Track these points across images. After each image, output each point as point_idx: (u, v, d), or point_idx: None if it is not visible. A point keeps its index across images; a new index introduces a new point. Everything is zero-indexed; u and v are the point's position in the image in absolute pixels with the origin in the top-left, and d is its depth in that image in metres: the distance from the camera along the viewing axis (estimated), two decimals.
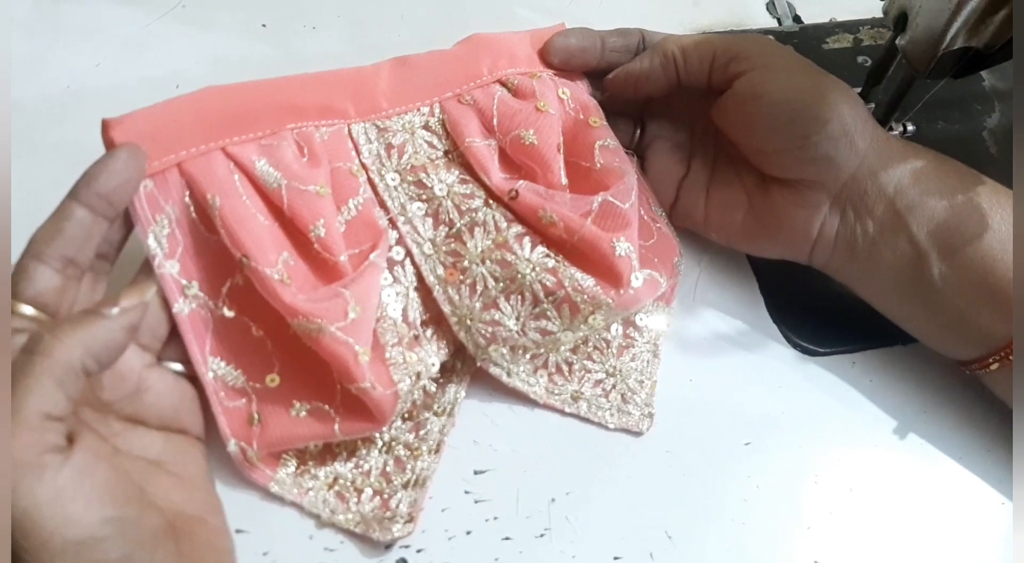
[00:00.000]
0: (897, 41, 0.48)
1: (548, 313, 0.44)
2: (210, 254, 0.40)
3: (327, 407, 0.40)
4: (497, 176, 0.45)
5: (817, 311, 0.51)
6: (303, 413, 0.40)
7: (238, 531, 0.41)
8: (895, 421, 0.49)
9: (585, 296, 0.43)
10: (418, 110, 0.46)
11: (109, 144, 0.39)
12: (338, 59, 0.56)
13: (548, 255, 0.44)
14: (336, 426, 0.40)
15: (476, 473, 0.44)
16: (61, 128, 0.51)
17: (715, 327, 0.50)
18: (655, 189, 0.51)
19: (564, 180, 0.46)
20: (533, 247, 0.44)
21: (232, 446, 0.40)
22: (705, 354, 0.49)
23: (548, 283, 0.43)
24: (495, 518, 0.43)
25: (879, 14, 0.52)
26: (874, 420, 0.48)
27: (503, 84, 0.47)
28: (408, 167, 0.45)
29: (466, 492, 0.44)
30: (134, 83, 0.53)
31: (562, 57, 0.49)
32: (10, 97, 0.51)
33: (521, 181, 0.45)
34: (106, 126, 0.39)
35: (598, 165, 0.46)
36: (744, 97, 0.46)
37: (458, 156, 0.46)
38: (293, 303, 0.38)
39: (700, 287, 0.51)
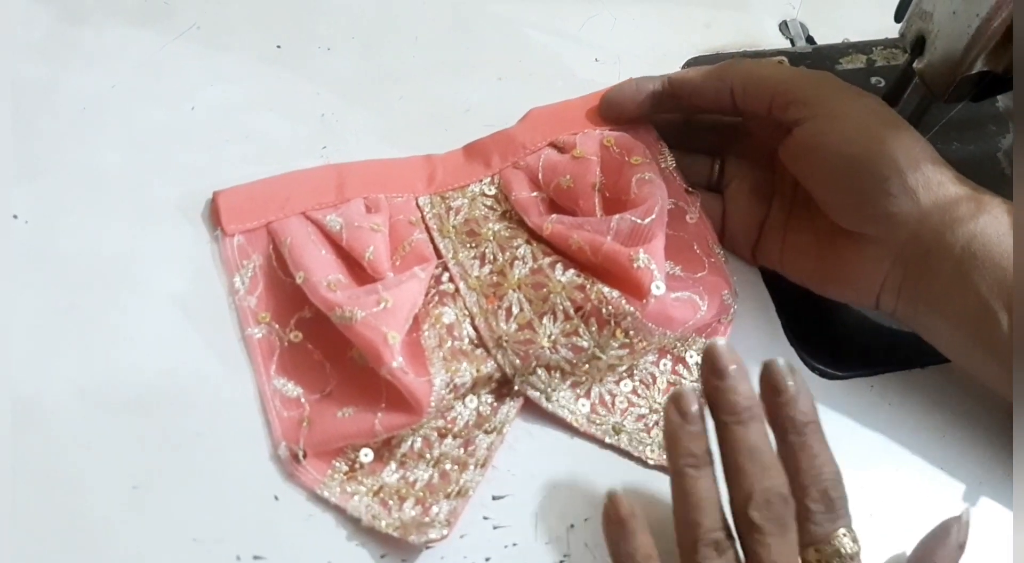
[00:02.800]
0: (915, 64, 0.48)
1: (579, 329, 0.45)
2: (284, 293, 0.46)
3: (371, 409, 0.43)
4: (536, 216, 0.49)
5: (835, 334, 0.50)
6: (348, 414, 0.43)
7: (256, 557, 0.41)
8: (915, 445, 0.48)
9: (610, 307, 0.45)
10: (480, 181, 0.52)
11: (215, 210, 0.48)
12: (353, 81, 0.56)
13: (578, 275, 0.46)
14: (377, 421, 0.42)
15: (495, 499, 0.44)
16: (77, 151, 0.51)
17: None
18: (737, 229, 0.52)
19: (599, 213, 0.48)
20: (565, 270, 0.47)
21: (282, 449, 0.43)
22: None
23: (576, 299, 0.45)
24: (514, 544, 0.43)
25: (893, 34, 0.52)
26: (894, 444, 0.48)
27: (553, 146, 0.52)
28: (463, 221, 0.50)
29: (485, 518, 0.44)
30: (149, 105, 0.53)
31: (611, 109, 0.51)
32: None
33: (553, 215, 0.48)
34: (215, 196, 0.48)
35: (632, 195, 0.48)
36: (803, 148, 0.46)
37: (512, 214, 0.50)
38: (332, 297, 0.43)
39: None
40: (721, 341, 0.40)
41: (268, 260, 0.47)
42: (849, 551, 0.38)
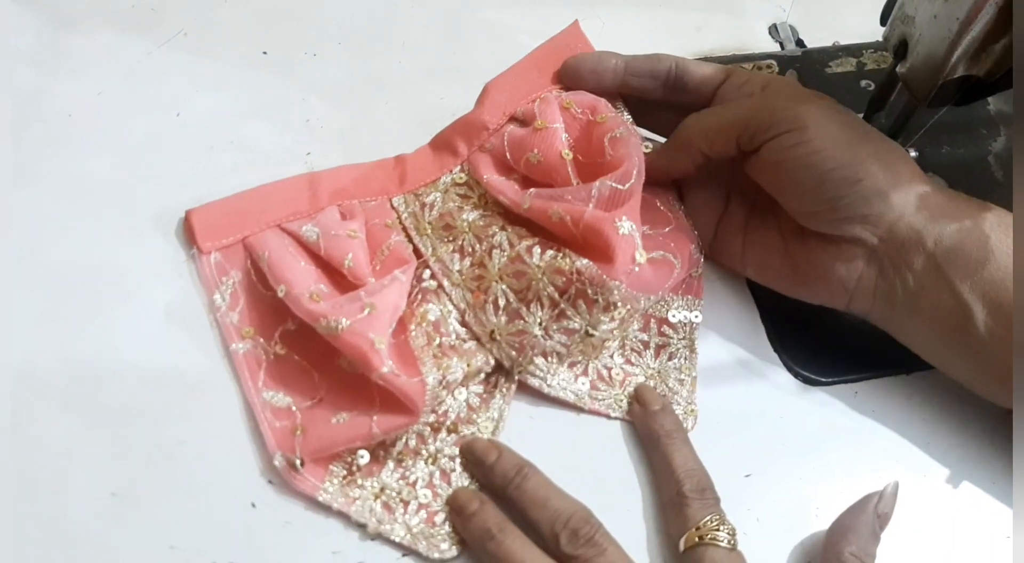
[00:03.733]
0: (897, 69, 0.47)
1: (567, 312, 0.45)
2: (266, 307, 0.47)
3: (366, 412, 0.43)
4: (513, 193, 0.48)
5: (819, 340, 0.50)
6: (343, 419, 0.43)
7: None
8: (898, 451, 0.48)
9: (595, 286, 0.45)
10: (450, 172, 0.51)
11: (188, 229, 0.48)
12: (339, 87, 0.56)
13: (555, 256, 0.46)
14: (374, 424, 0.42)
15: None
16: (64, 158, 0.51)
17: (716, 356, 0.50)
18: (694, 223, 0.51)
19: (575, 181, 0.48)
20: (542, 252, 0.46)
21: (278, 459, 0.42)
22: (706, 384, 0.49)
23: (559, 283, 0.45)
24: None
25: (882, 38, 0.51)
26: (877, 451, 0.48)
27: (514, 119, 0.51)
28: (438, 215, 0.50)
29: None
30: (136, 111, 0.53)
31: (571, 79, 0.51)
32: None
33: (532, 189, 0.48)
34: (188, 214, 0.48)
35: (608, 157, 0.48)
36: (770, 164, 0.45)
37: (485, 197, 0.50)
38: (316, 309, 0.43)
39: (702, 316, 0.51)
40: (480, 440, 0.45)
41: (247, 275, 0.47)
42: (726, 528, 0.42)
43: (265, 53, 0.57)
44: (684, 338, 0.50)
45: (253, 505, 0.42)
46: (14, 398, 0.43)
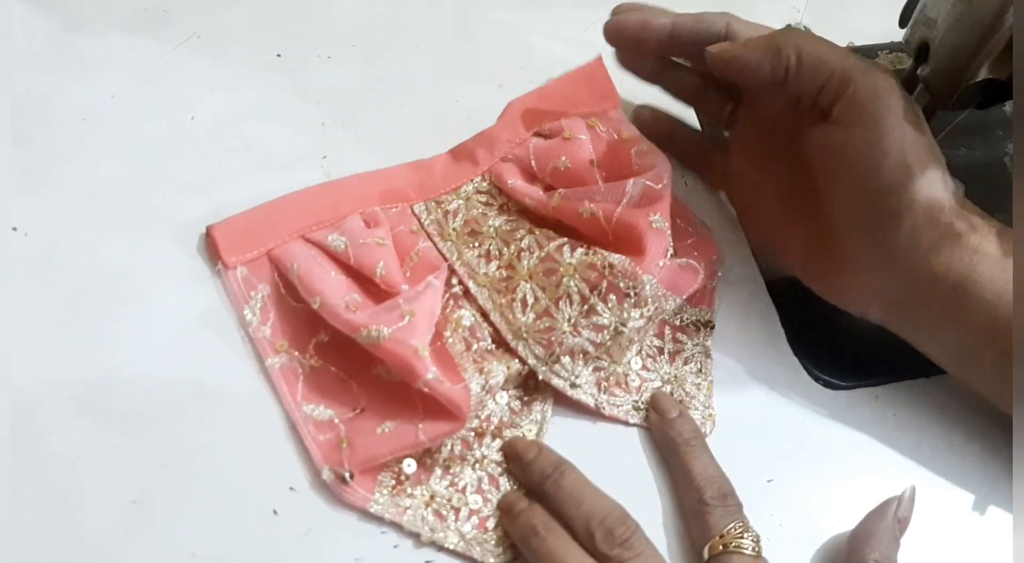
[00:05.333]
0: (919, 71, 0.47)
1: (597, 308, 0.45)
2: (297, 319, 0.46)
3: (411, 420, 0.43)
4: (539, 194, 0.49)
5: (839, 345, 0.50)
6: (388, 429, 0.43)
7: None
8: (919, 455, 0.48)
9: (628, 279, 0.45)
10: (471, 180, 0.52)
11: (212, 244, 0.47)
12: (354, 89, 0.56)
13: (586, 253, 0.46)
14: (420, 432, 0.42)
15: None
16: (76, 162, 0.50)
17: (736, 361, 0.50)
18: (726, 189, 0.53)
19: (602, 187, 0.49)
20: (573, 251, 0.47)
21: (326, 473, 0.42)
22: (725, 389, 0.49)
23: (590, 278, 0.46)
24: None
25: (898, 38, 0.51)
26: (898, 455, 0.48)
27: (538, 135, 0.52)
28: (463, 222, 0.50)
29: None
30: (149, 115, 0.53)
31: (613, 34, 0.50)
32: None
33: (560, 189, 0.49)
34: (210, 230, 0.47)
35: (635, 167, 0.49)
36: (837, 148, 0.44)
37: (509, 205, 0.51)
38: (354, 319, 0.43)
39: (721, 321, 0.51)
40: (522, 439, 0.45)
41: (275, 288, 0.47)
42: (749, 535, 0.41)
43: (279, 55, 0.57)
44: (698, 344, 0.50)
45: (275, 512, 0.42)
46: (31, 405, 0.43)
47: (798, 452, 0.47)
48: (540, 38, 0.61)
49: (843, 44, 0.63)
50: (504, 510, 0.43)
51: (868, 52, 0.63)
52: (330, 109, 0.55)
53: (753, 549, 0.41)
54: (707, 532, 0.42)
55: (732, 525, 0.42)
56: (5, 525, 0.40)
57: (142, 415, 0.44)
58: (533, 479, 0.43)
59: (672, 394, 0.48)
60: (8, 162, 0.49)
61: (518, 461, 0.44)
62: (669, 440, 0.45)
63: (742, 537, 0.41)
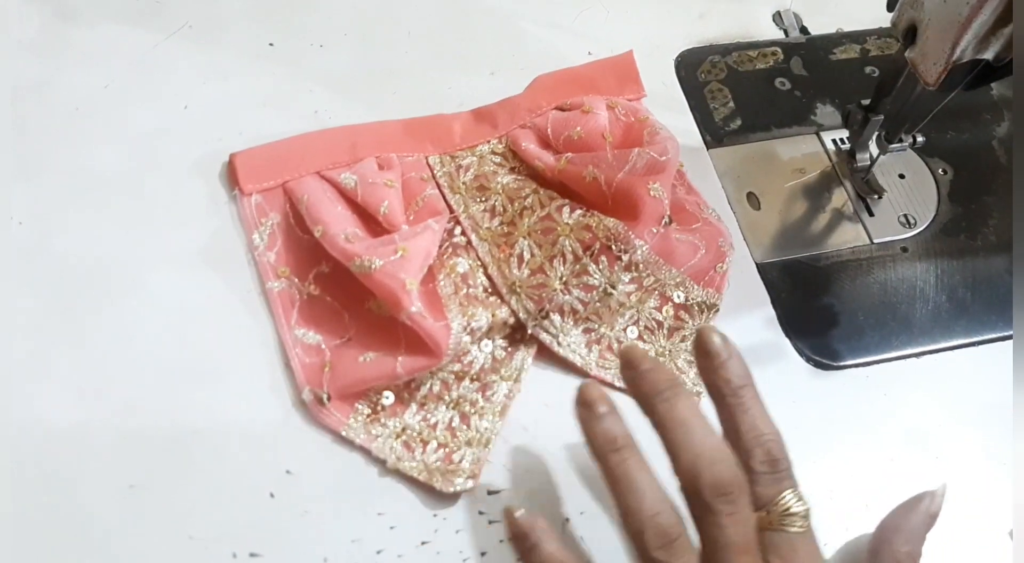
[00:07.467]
0: (907, 53, 0.48)
1: (588, 268, 0.47)
2: (302, 249, 0.48)
3: (392, 353, 0.44)
4: (549, 158, 0.51)
5: (830, 325, 0.50)
6: (369, 359, 0.44)
7: (252, 554, 0.41)
8: (910, 435, 0.48)
9: (620, 242, 0.47)
10: (488, 142, 0.54)
11: (232, 171, 0.50)
12: (346, 77, 0.56)
13: (584, 215, 0.48)
14: (398, 364, 0.44)
15: (489, 493, 0.44)
16: (70, 150, 0.51)
17: None
18: None
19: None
20: (572, 212, 0.49)
21: (306, 394, 0.44)
22: None
23: (584, 238, 0.48)
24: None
25: (886, 24, 0.51)
26: (888, 434, 0.48)
27: (559, 109, 0.54)
28: (473, 177, 0.52)
29: (480, 512, 0.44)
30: (143, 104, 0.53)
31: None
32: None
33: (568, 152, 0.51)
34: (232, 157, 0.50)
35: (645, 144, 0.51)
36: None
37: (520, 168, 0.53)
38: (350, 248, 0.45)
39: (719, 307, 0.51)
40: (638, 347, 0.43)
41: (285, 218, 0.49)
42: (798, 510, 0.37)
43: (271, 44, 0.57)
44: (699, 324, 0.50)
45: (272, 495, 0.42)
46: (29, 391, 0.43)
47: (789, 431, 0.47)
48: (532, 25, 0.61)
49: (832, 30, 0.64)
50: (584, 404, 0.39)
51: (858, 38, 0.63)
52: (323, 97, 0.55)
53: (801, 525, 0.37)
54: (754, 505, 0.37)
55: (782, 496, 0.38)
56: (6, 509, 0.40)
57: (140, 400, 0.44)
58: (643, 389, 0.38)
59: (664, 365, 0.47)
60: (2, 151, 0.50)
61: (632, 367, 0.39)
62: (716, 389, 0.40)
63: (789, 511, 0.37)
